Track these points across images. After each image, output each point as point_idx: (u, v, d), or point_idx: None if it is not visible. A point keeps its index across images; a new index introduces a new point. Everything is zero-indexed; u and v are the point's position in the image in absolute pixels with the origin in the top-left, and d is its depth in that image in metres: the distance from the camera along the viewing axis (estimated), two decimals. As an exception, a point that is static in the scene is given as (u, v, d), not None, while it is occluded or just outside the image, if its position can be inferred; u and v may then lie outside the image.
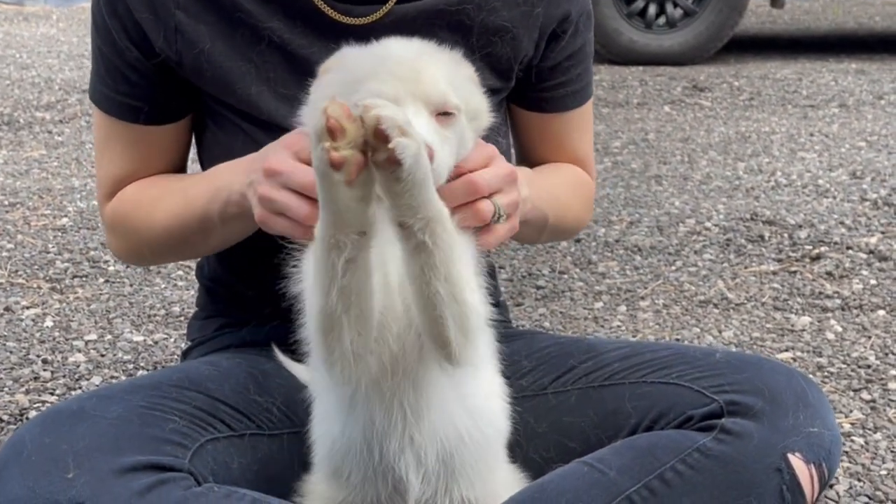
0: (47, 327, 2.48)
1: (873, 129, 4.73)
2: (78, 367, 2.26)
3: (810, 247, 3.05)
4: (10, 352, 2.33)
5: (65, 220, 3.37)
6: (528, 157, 1.58)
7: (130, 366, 2.27)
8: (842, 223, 3.28)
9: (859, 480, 1.79)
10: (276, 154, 1.18)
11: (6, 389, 2.14)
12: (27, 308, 2.60)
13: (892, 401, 2.09)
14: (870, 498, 1.73)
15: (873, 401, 2.09)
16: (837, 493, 1.74)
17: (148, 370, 2.25)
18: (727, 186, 3.78)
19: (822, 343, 2.38)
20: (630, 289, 2.76)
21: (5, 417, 2.01)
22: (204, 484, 1.19)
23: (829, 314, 2.56)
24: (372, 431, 1.15)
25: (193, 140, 1.54)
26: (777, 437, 1.24)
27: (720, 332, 2.46)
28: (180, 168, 1.52)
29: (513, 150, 1.60)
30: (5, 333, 2.44)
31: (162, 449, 1.18)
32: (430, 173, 0.95)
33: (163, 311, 2.59)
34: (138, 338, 2.42)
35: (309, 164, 1.15)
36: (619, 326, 2.51)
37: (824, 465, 1.27)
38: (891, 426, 1.98)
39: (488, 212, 1.15)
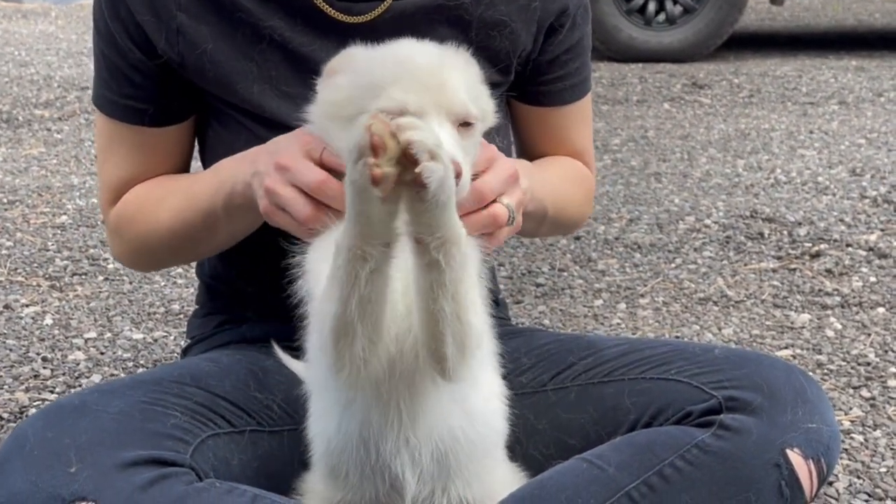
0: (47, 325, 2.48)
1: (873, 127, 4.73)
2: (78, 364, 2.26)
3: (810, 244, 3.05)
4: (10, 350, 2.33)
5: (64, 217, 3.37)
6: (527, 151, 1.58)
7: (130, 364, 2.27)
8: (841, 220, 3.28)
9: (859, 478, 1.79)
10: (289, 150, 1.20)
11: (6, 387, 2.14)
12: (27, 306, 2.61)
13: (892, 398, 2.09)
14: (869, 495, 1.73)
15: (873, 398, 2.09)
16: (837, 491, 1.74)
17: (148, 368, 2.25)
18: (727, 184, 3.78)
19: (822, 340, 2.38)
20: (630, 286, 2.77)
21: (5, 415, 2.01)
22: (205, 479, 1.19)
23: (829, 311, 2.56)
24: (369, 431, 1.15)
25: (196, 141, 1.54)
26: (776, 432, 1.24)
27: (720, 329, 2.46)
28: (184, 169, 1.52)
29: (513, 148, 1.60)
30: (5, 331, 2.44)
31: (163, 444, 1.19)
32: (453, 196, 0.97)
33: (162, 309, 2.59)
34: (138, 335, 2.42)
35: (318, 164, 1.18)
36: (618, 324, 2.51)
37: (823, 461, 1.27)
38: (890, 423, 1.98)
39: (504, 216, 1.18)
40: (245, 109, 1.40)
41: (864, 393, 2.11)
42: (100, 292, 2.70)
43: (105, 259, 2.94)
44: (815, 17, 9.21)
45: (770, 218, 3.32)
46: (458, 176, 1.04)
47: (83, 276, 2.82)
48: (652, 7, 6.54)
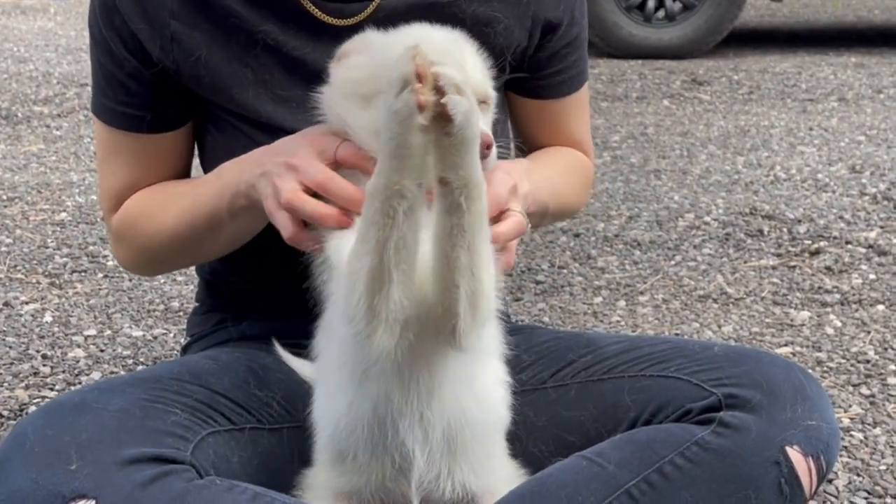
0: (46, 322, 2.48)
1: (872, 123, 4.73)
2: (77, 362, 2.26)
3: (809, 241, 3.06)
4: (10, 347, 2.33)
5: (63, 214, 3.37)
6: (526, 143, 1.59)
7: (130, 361, 2.27)
8: (841, 217, 3.28)
9: (858, 475, 1.79)
10: (300, 151, 1.22)
11: (6, 385, 2.14)
12: (26, 303, 2.61)
13: (892, 396, 2.09)
14: (869, 493, 1.74)
15: (872, 396, 2.09)
16: (837, 488, 1.74)
17: (147, 365, 2.25)
18: (726, 181, 3.78)
19: (822, 338, 2.38)
20: (629, 283, 2.77)
21: (5, 413, 2.01)
22: (206, 477, 1.19)
23: (829, 309, 2.57)
24: (386, 407, 1.16)
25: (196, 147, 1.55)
26: (775, 430, 1.24)
27: (719, 326, 2.46)
28: (184, 175, 1.53)
29: (511, 144, 1.60)
30: (4, 329, 2.44)
31: (164, 441, 1.19)
32: (478, 136, 1.00)
33: (162, 307, 2.59)
34: (137, 333, 2.43)
35: (332, 164, 1.20)
36: (618, 321, 2.51)
37: (822, 458, 1.27)
38: (890, 421, 1.98)
39: (524, 222, 1.23)
40: (241, 114, 1.41)
41: (864, 390, 2.11)
42: (99, 289, 2.70)
43: (104, 256, 2.94)
44: (815, 13, 9.20)
45: (770, 215, 3.32)
46: (488, 147, 1.11)
47: (83, 274, 2.82)
48: (651, 4, 6.54)
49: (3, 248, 3.02)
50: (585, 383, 1.41)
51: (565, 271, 2.87)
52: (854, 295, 2.64)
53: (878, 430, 1.95)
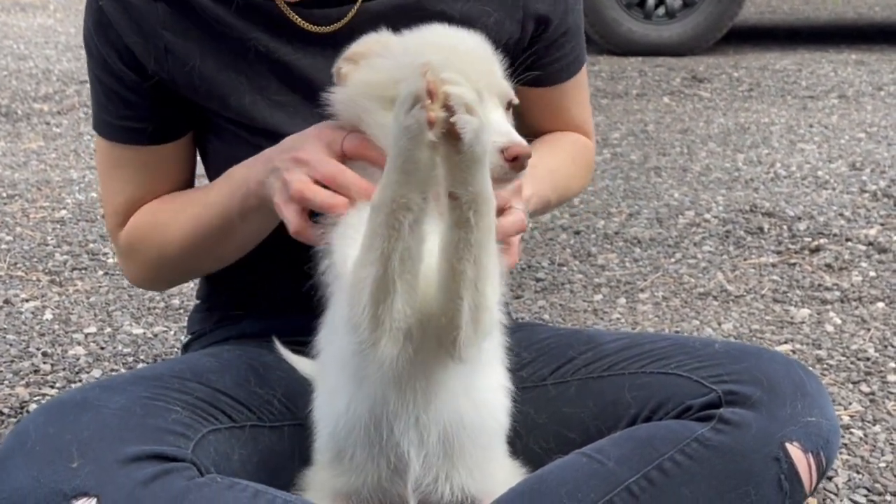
0: (47, 320, 2.48)
1: (873, 121, 4.72)
2: (78, 359, 2.26)
3: (809, 239, 3.06)
4: (10, 344, 2.33)
5: (63, 212, 3.37)
6: (528, 130, 1.59)
7: (130, 358, 2.28)
8: (841, 215, 3.28)
9: (858, 473, 1.79)
10: (308, 146, 1.23)
11: (6, 382, 2.14)
12: (26, 301, 2.61)
13: (892, 393, 2.09)
14: (869, 490, 1.74)
15: (872, 393, 2.09)
16: (836, 486, 1.75)
17: (148, 363, 2.25)
18: (726, 178, 3.78)
19: (822, 335, 2.39)
20: (629, 281, 2.77)
21: (6, 410, 2.01)
22: (207, 475, 1.20)
23: (829, 306, 2.57)
24: (382, 409, 1.17)
25: (199, 156, 1.55)
26: (775, 426, 1.24)
27: (719, 324, 2.46)
28: (188, 185, 1.54)
29: None
30: (5, 326, 2.44)
31: (165, 439, 1.19)
32: (487, 153, 1.01)
33: (162, 304, 2.59)
34: (138, 330, 2.43)
35: (339, 156, 1.22)
36: (618, 319, 2.52)
37: (822, 455, 1.27)
38: (890, 418, 1.98)
39: (525, 222, 1.24)
40: (240, 121, 1.41)
41: (864, 388, 2.11)
42: (100, 287, 2.70)
43: (105, 254, 2.94)
44: (815, 10, 9.20)
45: (770, 212, 3.32)
46: (516, 159, 1.12)
47: (83, 271, 2.82)
48: (651, 1, 6.53)
49: (4, 246, 3.02)
50: (586, 380, 1.41)
51: (565, 269, 2.87)
52: (854, 292, 2.64)
53: (877, 428, 1.95)
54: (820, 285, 2.70)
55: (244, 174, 1.34)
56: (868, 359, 2.25)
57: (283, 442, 1.37)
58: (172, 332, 2.42)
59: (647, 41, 6.51)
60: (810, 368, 1.94)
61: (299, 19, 1.38)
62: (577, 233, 3.16)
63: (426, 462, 1.20)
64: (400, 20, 1.29)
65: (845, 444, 1.89)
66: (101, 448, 1.15)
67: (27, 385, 2.13)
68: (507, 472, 1.30)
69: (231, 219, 1.37)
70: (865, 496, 1.72)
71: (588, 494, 1.21)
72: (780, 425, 1.24)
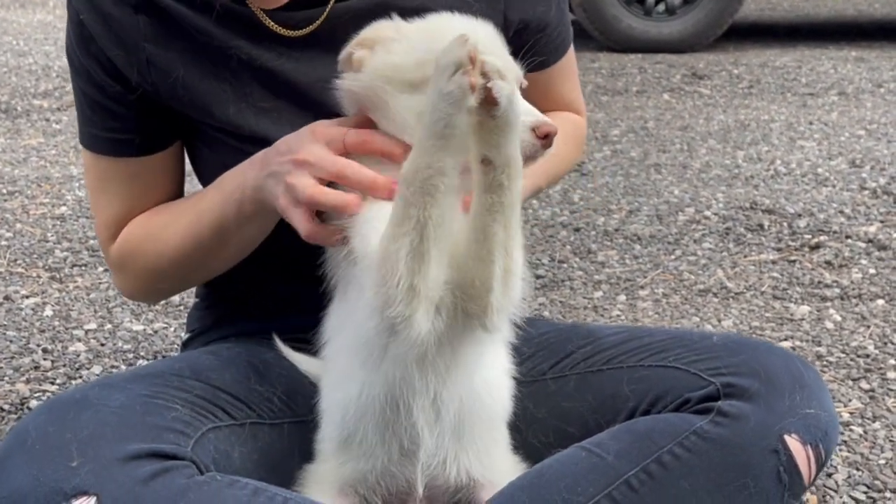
0: (47, 316, 2.48)
1: (872, 118, 4.72)
2: (78, 356, 2.26)
3: (809, 236, 3.06)
4: (10, 341, 2.33)
5: (63, 208, 3.36)
6: None
7: (130, 355, 2.28)
8: (841, 212, 3.28)
9: (858, 469, 1.79)
10: (307, 146, 1.22)
11: (6, 379, 2.14)
12: (27, 297, 2.61)
13: (891, 390, 2.09)
14: (868, 487, 1.74)
15: (872, 390, 2.09)
16: (836, 482, 1.75)
17: (148, 359, 2.25)
18: (726, 175, 3.78)
19: (822, 332, 2.39)
20: (629, 278, 2.77)
21: (6, 407, 2.01)
22: (206, 472, 1.20)
23: (829, 303, 2.57)
24: (401, 389, 1.18)
25: (189, 165, 1.55)
26: (773, 418, 1.24)
27: (719, 321, 2.46)
28: (178, 195, 1.53)
29: None
30: (5, 323, 2.44)
31: (165, 437, 1.19)
32: (519, 118, 1.07)
33: (162, 301, 2.59)
34: (138, 327, 2.43)
35: (340, 154, 1.21)
36: (618, 315, 2.52)
37: (821, 447, 1.27)
38: (889, 415, 1.99)
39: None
40: (226, 129, 1.41)
41: (864, 385, 2.11)
42: (100, 283, 2.70)
43: (105, 250, 2.94)
44: (815, 7, 9.19)
45: (770, 209, 3.32)
46: (547, 137, 1.17)
47: (83, 268, 2.82)
48: (651, -3, 6.54)
49: (4, 242, 3.02)
50: (585, 374, 1.41)
51: (565, 266, 2.87)
52: (854, 289, 2.64)
53: (877, 425, 1.95)
54: (820, 282, 2.70)
55: (238, 181, 1.33)
56: (868, 356, 2.25)
57: (283, 439, 1.37)
58: (172, 329, 2.42)
59: (647, 38, 6.51)
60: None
61: (273, 24, 1.37)
62: (577, 230, 3.16)
63: (438, 441, 1.22)
64: (380, 17, 1.29)
65: (845, 441, 1.89)
66: (100, 446, 1.14)
67: (27, 381, 2.13)
68: (509, 463, 1.31)
69: (226, 227, 1.36)
70: (865, 493, 1.73)
71: (587, 488, 1.21)
72: (778, 417, 1.24)
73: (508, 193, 1.08)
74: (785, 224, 3.17)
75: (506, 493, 1.23)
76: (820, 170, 3.83)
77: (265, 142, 1.31)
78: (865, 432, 1.93)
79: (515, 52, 1.47)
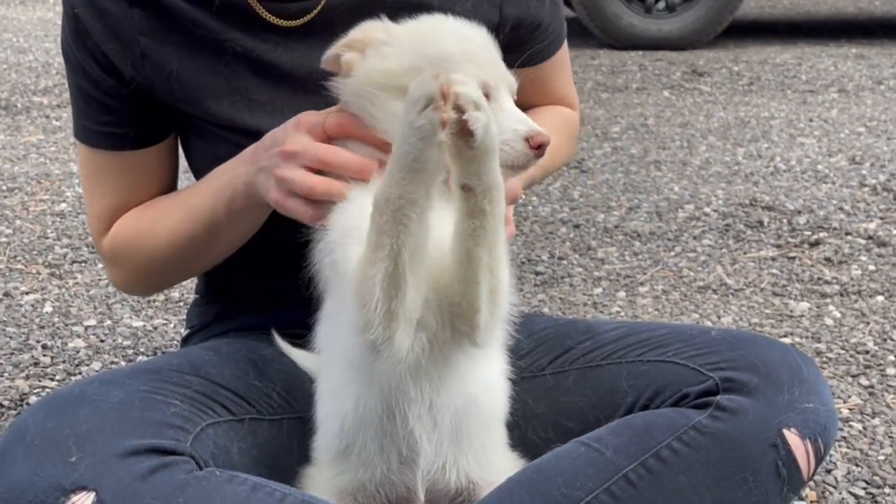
0: (47, 313, 2.48)
1: (872, 115, 4.72)
2: (78, 352, 2.26)
3: (809, 232, 3.06)
4: (10, 337, 2.33)
5: (63, 205, 3.36)
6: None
7: (130, 351, 2.28)
8: (841, 209, 3.28)
9: (857, 465, 1.80)
10: (290, 137, 1.23)
11: (6, 375, 2.14)
12: (26, 293, 2.61)
13: (891, 386, 2.09)
14: (868, 483, 1.74)
15: (871, 386, 2.09)
16: (836, 478, 1.75)
17: (147, 356, 2.25)
18: (726, 172, 3.78)
19: (821, 329, 2.39)
20: (629, 274, 2.77)
21: (5, 403, 2.01)
22: (205, 468, 1.19)
23: (828, 300, 2.57)
24: (396, 399, 1.18)
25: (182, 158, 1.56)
26: (772, 412, 1.24)
27: (719, 317, 2.47)
28: (172, 188, 1.54)
29: None
30: (5, 319, 2.44)
31: (164, 432, 1.19)
32: (497, 145, 1.06)
33: (162, 297, 2.59)
34: (138, 323, 2.43)
35: (324, 137, 1.23)
36: (618, 312, 2.52)
37: (820, 441, 1.27)
38: (889, 411, 1.99)
39: (520, 190, 1.25)
40: (220, 123, 1.41)
41: (863, 381, 2.11)
42: (99, 280, 2.70)
43: (104, 247, 2.94)
44: (815, 4, 9.19)
45: (769, 206, 3.32)
46: (540, 147, 1.17)
47: (83, 264, 2.82)
48: (652, -6, 6.53)
49: (3, 239, 3.02)
50: (584, 369, 1.41)
51: (565, 262, 2.87)
52: (853, 286, 2.64)
53: (876, 421, 1.95)
54: (819, 279, 2.70)
55: (228, 177, 1.34)
56: (867, 352, 2.25)
57: (283, 435, 1.37)
58: (172, 325, 2.42)
59: (647, 35, 6.50)
60: (809, 362, 1.95)
61: (269, 14, 1.38)
62: (577, 226, 3.16)
63: (437, 447, 1.21)
64: (376, 8, 1.29)
65: (844, 437, 1.89)
66: (99, 442, 1.14)
67: (27, 377, 2.13)
68: (508, 463, 1.30)
69: (217, 222, 1.37)
70: (864, 489, 1.73)
71: (586, 483, 1.21)
72: (777, 412, 1.24)
73: (491, 218, 1.07)
74: (785, 221, 3.17)
75: (505, 488, 1.23)
76: (820, 167, 3.83)
77: (259, 135, 1.31)
78: (865, 428, 1.93)
79: (510, 48, 1.47)
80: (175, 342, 2.31)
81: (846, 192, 3.47)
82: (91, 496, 1.11)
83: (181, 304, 2.54)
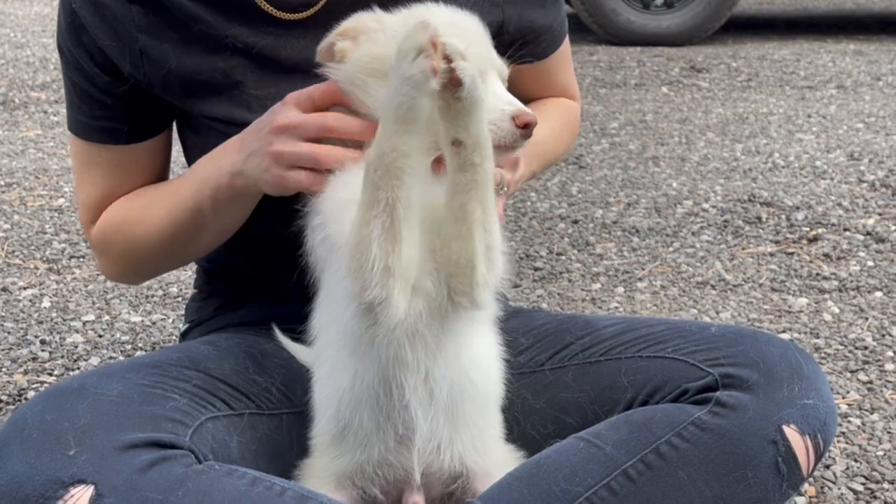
0: (45, 308, 2.48)
1: (871, 111, 4.72)
2: (76, 347, 2.26)
3: (808, 228, 3.06)
4: (8, 332, 2.33)
5: (61, 200, 3.36)
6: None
7: (128, 346, 2.27)
8: (839, 205, 3.28)
9: (856, 461, 1.80)
10: (282, 113, 1.24)
11: (4, 370, 2.14)
12: (24, 289, 2.60)
13: (889, 382, 2.10)
14: (866, 478, 1.74)
15: (870, 382, 2.09)
16: (834, 474, 1.75)
17: (146, 351, 2.25)
18: (725, 168, 3.78)
19: (820, 324, 2.39)
20: (628, 270, 2.77)
21: (4, 398, 2.01)
22: (204, 462, 1.19)
23: (827, 295, 2.57)
24: (392, 370, 1.19)
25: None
26: (772, 409, 1.24)
27: (717, 313, 2.47)
28: (162, 178, 1.54)
29: None
30: (3, 314, 2.44)
31: (163, 426, 1.18)
32: (483, 99, 1.08)
33: (160, 292, 2.59)
34: (136, 318, 2.43)
35: (314, 109, 1.23)
36: (616, 308, 2.52)
37: (819, 437, 1.27)
38: (888, 407, 1.99)
39: (495, 180, 1.21)
40: (217, 118, 1.41)
41: (862, 377, 2.11)
42: (98, 275, 2.70)
43: (102, 242, 2.94)
44: (814, 0, 9.18)
45: (768, 202, 3.32)
46: (527, 126, 1.18)
47: (81, 259, 2.82)
48: (650, -10, 6.53)
49: (1, 234, 3.02)
50: (583, 365, 1.41)
51: (563, 258, 2.87)
52: (852, 282, 2.64)
53: (875, 416, 1.95)
54: (818, 274, 2.70)
55: (213, 167, 1.33)
56: (866, 348, 2.25)
57: (282, 430, 1.37)
58: (171, 320, 2.42)
59: (645, 31, 6.50)
60: (808, 357, 1.95)
61: (271, 7, 1.37)
62: (576, 222, 3.16)
63: (432, 425, 1.22)
64: (379, 2, 1.29)
65: (843, 433, 1.89)
66: (98, 435, 1.14)
67: (25, 373, 2.13)
68: (503, 453, 1.31)
69: (203, 213, 1.37)
70: (863, 484, 1.73)
71: (585, 479, 1.21)
72: (777, 408, 1.24)
73: (481, 171, 1.10)
74: (783, 217, 3.17)
75: (504, 483, 1.23)
76: (818, 162, 3.83)
77: None
78: (863, 424, 1.93)
79: (511, 47, 1.47)
80: (173, 337, 2.31)
81: (844, 188, 3.47)
82: (90, 489, 1.10)
83: (179, 299, 2.54)
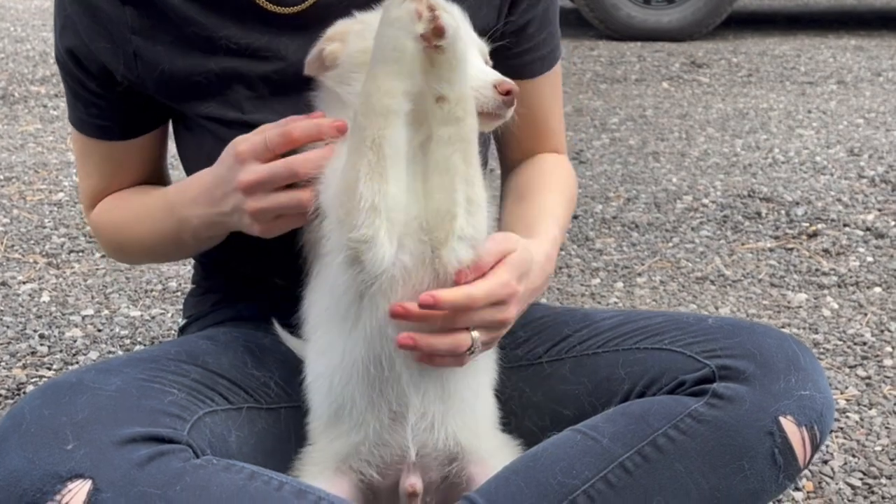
0: (44, 302, 2.48)
1: (871, 106, 4.72)
2: (75, 342, 2.26)
3: (807, 224, 3.06)
4: (7, 326, 2.33)
5: (61, 194, 3.36)
6: (507, 145, 1.57)
7: (127, 341, 2.28)
8: (839, 200, 3.28)
9: (854, 456, 1.80)
10: (240, 171, 1.24)
11: (3, 364, 2.14)
12: (24, 283, 2.61)
13: (888, 377, 2.10)
14: (864, 473, 1.74)
15: (869, 377, 2.09)
16: (832, 469, 1.75)
17: (145, 345, 2.25)
18: (725, 163, 3.78)
19: (819, 320, 2.39)
20: (627, 265, 2.77)
21: (3, 392, 2.01)
22: (202, 456, 1.19)
23: (826, 291, 2.57)
24: (381, 344, 1.19)
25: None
26: (769, 400, 1.24)
27: (717, 308, 2.47)
28: (159, 172, 1.57)
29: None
30: (2, 308, 2.44)
31: (161, 421, 1.19)
32: (465, 55, 1.12)
33: (159, 287, 2.59)
34: (135, 313, 2.43)
35: (272, 159, 1.23)
36: (615, 303, 2.52)
37: (816, 428, 1.27)
38: (886, 402, 1.99)
39: (465, 346, 1.19)
40: (210, 117, 1.41)
41: (860, 372, 2.12)
42: (97, 269, 2.70)
43: (102, 236, 2.94)
44: (815, -4, 9.17)
45: (768, 197, 3.32)
46: (509, 93, 1.19)
47: (80, 254, 2.82)
48: (651, -15, 6.52)
49: (1, 228, 3.02)
50: (580, 357, 1.41)
51: (563, 253, 2.87)
52: (851, 277, 2.64)
53: (873, 412, 1.95)
54: (817, 270, 2.70)
55: (191, 213, 1.35)
56: (865, 343, 2.25)
57: (280, 424, 1.37)
58: (169, 315, 2.42)
59: (646, 26, 6.49)
60: (807, 352, 1.95)
61: (266, 2, 1.37)
62: (575, 217, 3.16)
63: (424, 400, 1.23)
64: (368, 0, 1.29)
65: (841, 428, 1.89)
66: (96, 430, 1.14)
67: (24, 367, 2.13)
68: (499, 439, 1.31)
69: (184, 242, 1.42)
70: (861, 479, 1.73)
71: (582, 471, 1.21)
72: (773, 399, 1.24)
73: (465, 126, 1.12)
74: (783, 212, 3.17)
75: (501, 477, 1.23)
76: (818, 158, 3.82)
77: (249, 128, 1.31)
78: (862, 419, 1.93)
79: (504, 52, 1.47)
80: (172, 332, 2.31)
81: (844, 184, 3.47)
82: (87, 484, 1.10)
83: (178, 293, 2.54)
